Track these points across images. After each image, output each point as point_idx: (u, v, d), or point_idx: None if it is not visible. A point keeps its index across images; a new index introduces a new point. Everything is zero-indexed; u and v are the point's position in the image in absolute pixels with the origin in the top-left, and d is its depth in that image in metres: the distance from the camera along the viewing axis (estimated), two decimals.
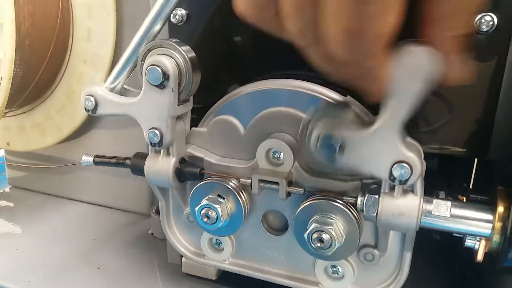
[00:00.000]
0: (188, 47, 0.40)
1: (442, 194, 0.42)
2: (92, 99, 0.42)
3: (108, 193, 0.75)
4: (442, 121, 0.40)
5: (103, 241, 0.65)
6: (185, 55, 0.40)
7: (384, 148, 0.33)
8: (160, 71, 0.38)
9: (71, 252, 0.62)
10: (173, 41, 0.40)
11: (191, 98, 0.44)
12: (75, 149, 0.74)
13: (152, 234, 0.66)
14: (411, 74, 0.28)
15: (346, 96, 0.41)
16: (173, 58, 0.39)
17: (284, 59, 0.40)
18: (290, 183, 0.41)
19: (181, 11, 0.47)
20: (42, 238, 0.67)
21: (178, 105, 0.42)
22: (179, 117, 0.43)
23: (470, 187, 0.47)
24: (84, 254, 0.62)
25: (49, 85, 0.68)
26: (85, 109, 0.43)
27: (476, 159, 0.51)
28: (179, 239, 0.50)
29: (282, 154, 0.41)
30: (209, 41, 0.49)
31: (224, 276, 0.53)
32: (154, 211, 0.64)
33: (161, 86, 0.39)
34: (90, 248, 0.64)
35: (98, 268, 0.59)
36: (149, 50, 0.40)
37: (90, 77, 0.65)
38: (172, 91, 0.40)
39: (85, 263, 0.60)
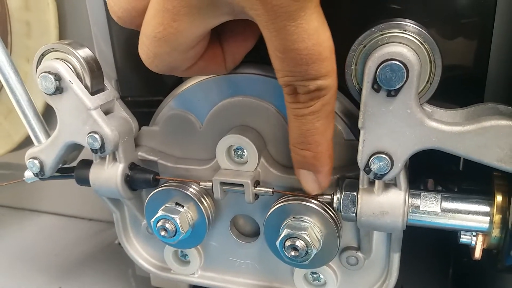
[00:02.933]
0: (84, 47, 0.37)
1: (430, 183, 0.37)
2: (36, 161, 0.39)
3: (71, 201, 0.69)
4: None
5: (66, 256, 0.60)
6: (79, 56, 0.36)
7: None
8: (52, 78, 0.35)
9: (30, 272, 0.57)
10: (66, 43, 0.36)
11: (110, 86, 0.39)
12: None
13: (119, 244, 0.60)
14: None
15: None
16: (67, 61, 0.36)
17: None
18: (257, 184, 0.36)
19: None
20: None
21: (93, 95, 0.36)
22: (123, 117, 0.38)
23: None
24: (44, 273, 0.56)
25: None
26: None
27: None
28: (141, 253, 0.45)
29: (245, 151, 0.36)
30: None
31: None
32: None
33: (59, 90, 0.35)
34: (51, 265, 0.58)
35: None
36: (43, 56, 0.37)
37: None
38: (72, 83, 0.35)
39: (44, 285, 0.54)
